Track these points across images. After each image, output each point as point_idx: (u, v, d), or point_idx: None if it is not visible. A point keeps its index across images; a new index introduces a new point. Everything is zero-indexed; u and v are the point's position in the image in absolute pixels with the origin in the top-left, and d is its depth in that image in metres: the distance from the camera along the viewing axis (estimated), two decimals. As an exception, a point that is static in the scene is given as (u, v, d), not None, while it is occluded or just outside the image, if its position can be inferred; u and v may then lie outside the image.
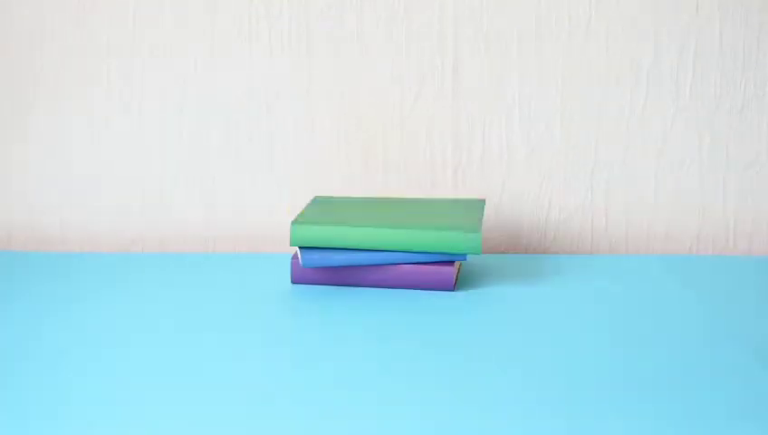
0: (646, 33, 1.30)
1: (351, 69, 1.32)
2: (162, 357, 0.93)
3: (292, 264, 1.17)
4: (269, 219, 1.37)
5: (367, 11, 1.31)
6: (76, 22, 1.32)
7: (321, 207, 1.21)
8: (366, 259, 1.14)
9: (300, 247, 1.16)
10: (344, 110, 1.34)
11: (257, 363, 0.91)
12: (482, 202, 1.27)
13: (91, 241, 1.38)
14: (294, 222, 1.16)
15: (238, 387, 0.86)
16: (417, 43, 1.32)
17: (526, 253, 1.36)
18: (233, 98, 1.34)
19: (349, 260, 1.14)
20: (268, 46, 1.32)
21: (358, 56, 1.32)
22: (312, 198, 1.35)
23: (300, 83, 1.33)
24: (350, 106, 1.33)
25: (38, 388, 0.85)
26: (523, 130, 1.33)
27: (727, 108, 1.32)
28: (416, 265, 1.14)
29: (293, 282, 1.17)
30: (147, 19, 1.32)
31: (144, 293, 1.13)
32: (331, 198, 1.27)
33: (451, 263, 1.15)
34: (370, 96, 1.33)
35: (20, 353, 0.94)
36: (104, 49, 1.33)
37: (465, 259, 1.14)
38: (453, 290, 1.14)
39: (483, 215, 1.22)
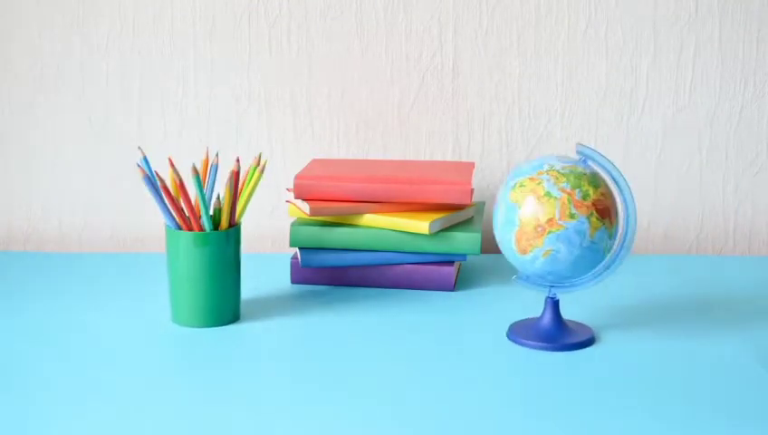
0: (646, 32, 1.30)
1: (351, 69, 1.32)
2: (162, 356, 0.93)
3: (291, 264, 1.17)
4: (269, 219, 1.37)
5: (367, 11, 1.31)
6: (76, 22, 1.32)
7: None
8: (366, 259, 1.14)
9: (299, 248, 1.15)
10: (344, 109, 1.34)
11: (257, 363, 0.91)
12: (482, 202, 1.27)
13: (91, 241, 1.38)
14: (294, 223, 1.16)
15: (238, 386, 0.86)
16: (417, 42, 1.32)
17: (526, 253, 1.36)
18: (232, 98, 1.34)
19: (349, 260, 1.14)
20: (268, 46, 1.32)
21: (358, 56, 1.32)
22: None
23: (300, 83, 1.33)
24: (350, 106, 1.33)
25: (38, 387, 0.85)
26: (522, 129, 1.33)
27: (727, 108, 1.32)
28: (416, 265, 1.14)
29: (293, 282, 1.17)
30: (147, 19, 1.32)
31: (144, 293, 1.13)
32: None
33: (451, 263, 1.15)
34: (370, 96, 1.33)
35: (20, 353, 0.94)
36: (104, 49, 1.33)
37: (464, 259, 1.14)
38: (453, 290, 1.14)
39: (482, 215, 1.22)
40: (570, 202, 0.90)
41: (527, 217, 0.91)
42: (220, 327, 1.01)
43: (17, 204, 1.37)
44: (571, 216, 0.90)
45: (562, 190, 0.90)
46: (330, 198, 1.15)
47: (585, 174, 0.92)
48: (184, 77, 1.33)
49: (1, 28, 1.33)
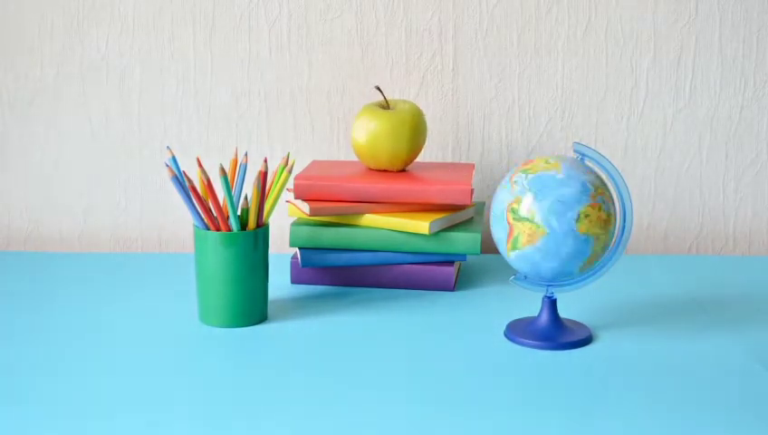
0: (646, 33, 1.30)
1: (351, 69, 1.32)
2: (161, 356, 0.93)
3: (291, 264, 1.17)
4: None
5: (367, 11, 1.31)
6: (76, 22, 1.32)
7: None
8: (366, 259, 1.14)
9: (299, 248, 1.15)
10: (344, 110, 1.34)
11: (257, 363, 0.91)
12: (482, 202, 1.27)
13: (91, 241, 1.38)
14: (294, 223, 1.16)
15: (238, 386, 0.86)
16: (417, 43, 1.32)
17: (526, 253, 1.36)
18: (232, 98, 1.34)
19: (348, 260, 1.14)
20: (268, 46, 1.32)
21: (358, 56, 1.32)
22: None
23: (300, 83, 1.33)
24: (351, 106, 1.33)
25: (38, 387, 0.85)
26: (522, 130, 1.33)
27: (727, 108, 1.32)
28: (416, 265, 1.14)
29: (293, 282, 1.17)
30: (146, 19, 1.32)
31: (144, 293, 1.13)
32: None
33: (451, 263, 1.15)
34: (370, 96, 1.33)
35: (20, 354, 0.94)
36: (104, 49, 1.33)
37: (464, 259, 1.14)
38: (453, 290, 1.14)
39: (482, 215, 1.22)
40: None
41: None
42: (248, 327, 1.02)
43: (17, 204, 1.37)
44: None
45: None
46: (330, 198, 1.15)
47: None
48: (184, 77, 1.33)
49: (1, 29, 1.33)
